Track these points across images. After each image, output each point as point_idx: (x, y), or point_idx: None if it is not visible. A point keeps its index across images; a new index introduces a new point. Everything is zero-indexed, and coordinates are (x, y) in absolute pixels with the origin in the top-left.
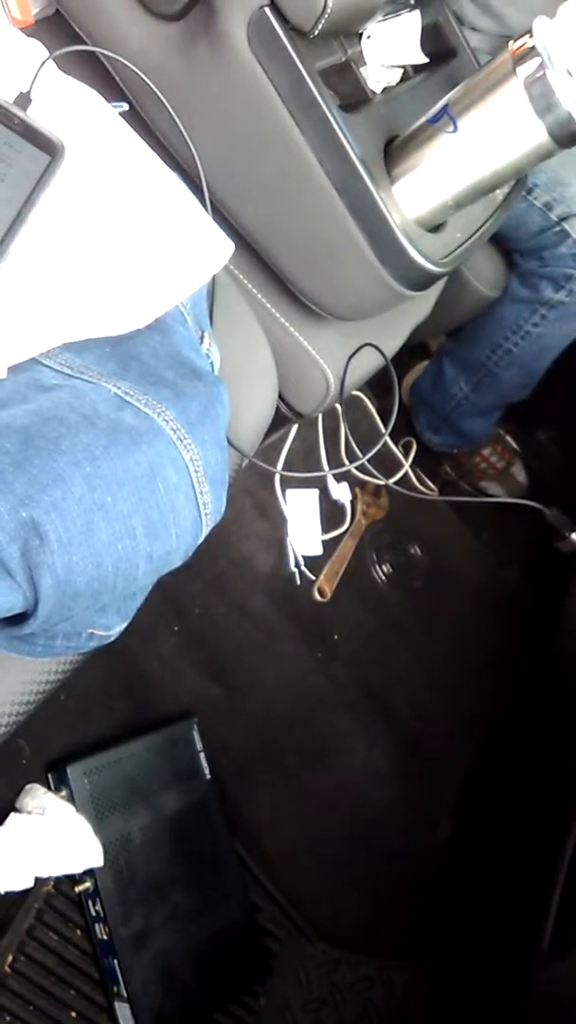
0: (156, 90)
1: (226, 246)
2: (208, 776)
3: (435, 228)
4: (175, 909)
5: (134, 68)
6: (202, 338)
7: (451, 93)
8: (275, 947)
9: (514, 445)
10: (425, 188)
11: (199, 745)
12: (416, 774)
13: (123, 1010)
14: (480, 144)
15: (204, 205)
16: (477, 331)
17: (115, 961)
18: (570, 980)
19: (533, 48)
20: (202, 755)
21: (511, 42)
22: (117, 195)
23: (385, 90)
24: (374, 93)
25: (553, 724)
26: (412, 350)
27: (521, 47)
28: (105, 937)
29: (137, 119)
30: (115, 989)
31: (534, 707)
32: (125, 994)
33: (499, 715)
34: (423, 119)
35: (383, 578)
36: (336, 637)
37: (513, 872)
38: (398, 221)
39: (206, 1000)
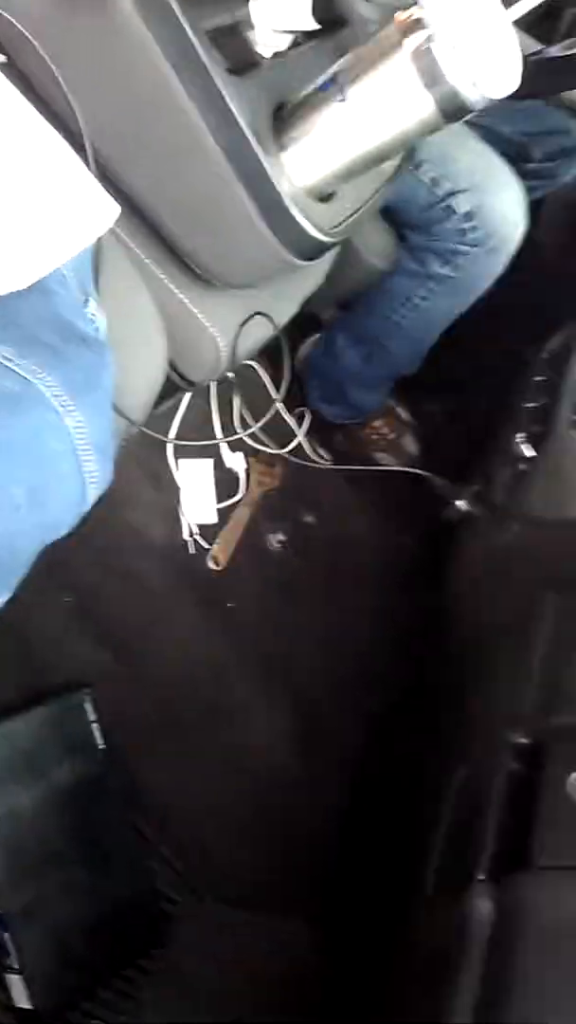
0: (35, 42)
1: (111, 208)
2: (102, 746)
3: (325, 198)
4: (69, 879)
5: (9, 17)
6: (86, 303)
7: (340, 62)
8: (172, 911)
9: (404, 417)
10: (314, 157)
11: (93, 716)
12: (312, 737)
13: (15, 983)
14: (368, 115)
15: (88, 165)
16: (368, 303)
17: (5, 934)
18: (446, 924)
19: (420, 20)
20: (96, 726)
21: (399, 13)
22: None
23: (275, 55)
24: (263, 58)
25: (437, 685)
26: (306, 320)
27: (408, 18)
28: None
29: (16, 73)
30: (6, 962)
31: (425, 669)
32: (17, 966)
33: (393, 679)
34: (312, 87)
35: (277, 546)
36: (231, 605)
37: (403, 828)
38: (287, 189)
39: (102, 967)
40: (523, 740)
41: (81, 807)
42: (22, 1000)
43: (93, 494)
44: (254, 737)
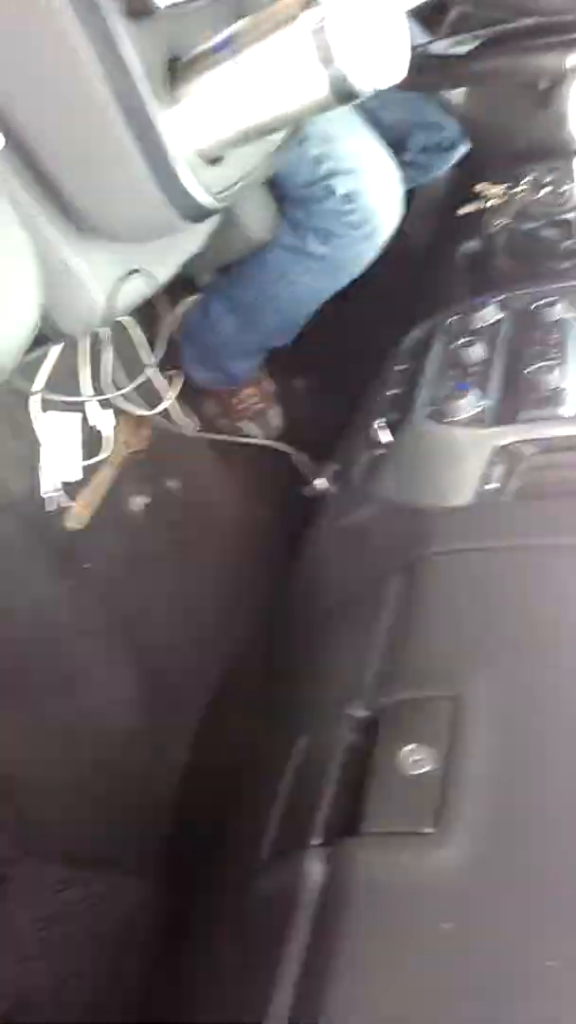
0: None
1: None
2: None
3: (213, 161)
4: None
5: None
6: None
7: (237, 24)
8: (8, 871)
9: (272, 388)
10: (205, 117)
11: None
12: (158, 701)
13: None
14: (260, 83)
15: None
16: (245, 272)
17: None
18: (279, 886)
19: None
20: None
21: None
22: None
23: (172, 6)
24: (158, 8)
25: (282, 655)
26: (184, 283)
27: None
28: None
29: None
30: None
31: (271, 640)
32: None
33: (240, 647)
34: (208, 45)
35: (139, 509)
36: (87, 566)
37: (242, 793)
38: (175, 145)
39: None
40: (362, 713)
41: None
42: None
43: None
44: (100, 699)
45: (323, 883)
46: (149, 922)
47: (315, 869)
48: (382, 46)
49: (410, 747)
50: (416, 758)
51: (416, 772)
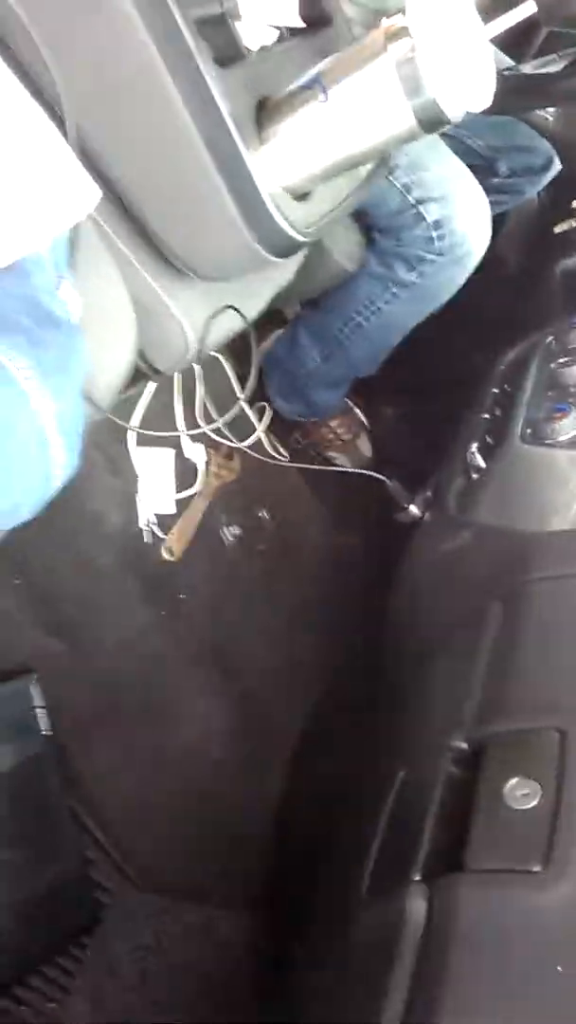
0: (23, 15)
1: (92, 192)
2: (45, 732)
3: (301, 197)
4: (4, 865)
5: None
6: (60, 285)
7: (324, 62)
8: (105, 899)
9: (361, 418)
10: (294, 155)
11: (38, 701)
12: (251, 731)
13: None
14: (348, 118)
15: (70, 147)
16: (332, 303)
17: None
18: (381, 922)
19: (405, 28)
20: (40, 711)
21: (384, 19)
22: None
23: (260, 49)
24: (248, 51)
25: (380, 686)
26: (270, 316)
27: (394, 26)
28: None
29: (2, 48)
30: None
31: (365, 669)
32: None
33: (333, 677)
34: (296, 84)
35: (231, 540)
36: (182, 596)
37: (338, 825)
38: (265, 185)
39: (33, 953)
40: (462, 745)
41: (20, 792)
42: None
43: (58, 481)
44: (193, 729)
45: (426, 920)
46: (245, 954)
47: (417, 906)
48: (469, 72)
49: (515, 780)
50: (522, 792)
51: (522, 807)
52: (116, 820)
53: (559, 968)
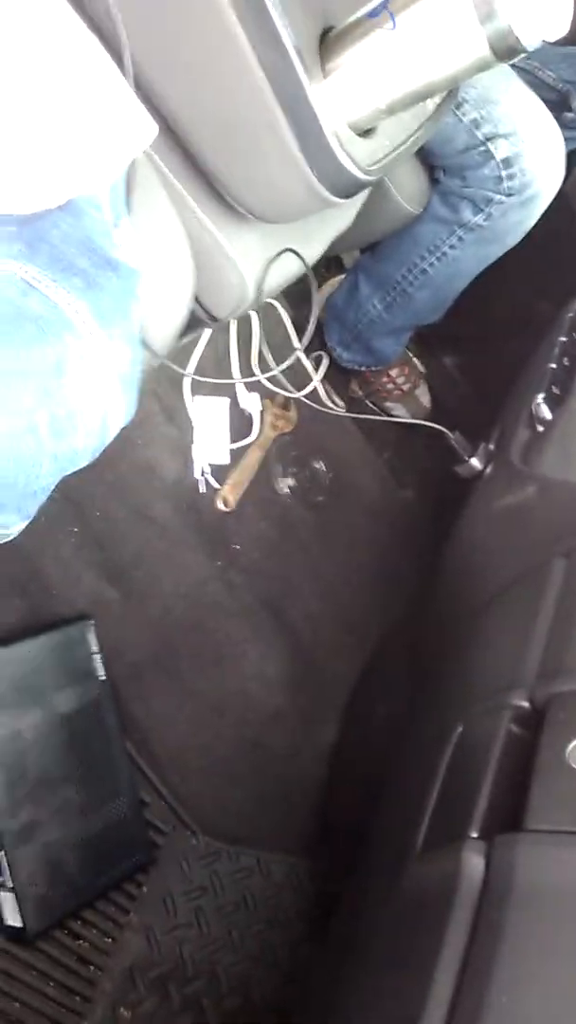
0: None
1: (150, 128)
2: (102, 677)
3: (365, 133)
4: (64, 804)
5: None
6: (117, 227)
7: None
8: (160, 840)
9: (420, 368)
10: (359, 88)
11: (95, 647)
12: (305, 681)
13: (7, 899)
14: (418, 46)
15: (127, 80)
16: (394, 248)
17: (1, 852)
18: (437, 877)
19: None
20: (97, 656)
21: None
22: (34, 58)
23: None
24: None
25: (436, 640)
26: (327, 263)
27: None
28: None
29: None
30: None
31: (420, 623)
32: (10, 884)
33: (388, 629)
34: (362, 12)
35: (286, 491)
36: (237, 547)
37: (392, 778)
38: (328, 119)
39: (90, 889)
40: (524, 704)
41: (79, 734)
42: (12, 917)
43: (115, 427)
44: (249, 678)
45: (482, 878)
46: (296, 897)
47: (474, 863)
48: None
49: None
50: None
51: None
52: (171, 764)
53: None
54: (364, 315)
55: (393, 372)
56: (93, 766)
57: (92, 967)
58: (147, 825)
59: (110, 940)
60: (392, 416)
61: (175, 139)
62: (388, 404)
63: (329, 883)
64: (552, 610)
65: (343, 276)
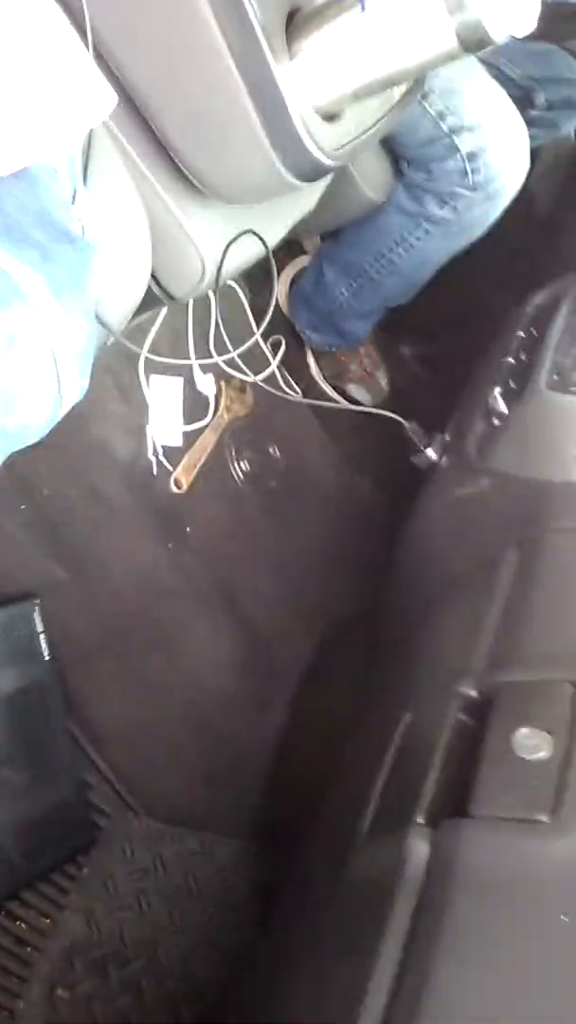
0: None
1: (109, 97)
2: (47, 657)
3: (330, 117)
4: (4, 784)
5: None
6: (74, 198)
7: None
8: (103, 822)
9: (376, 355)
10: (326, 71)
11: (39, 627)
12: (255, 665)
13: None
14: (386, 31)
15: (87, 48)
16: (359, 237)
17: None
18: (381, 862)
19: None
20: (42, 636)
21: None
22: None
23: None
24: None
25: (389, 628)
26: (289, 247)
27: None
28: None
29: None
30: None
31: (373, 610)
32: None
33: (339, 616)
34: None
35: (240, 475)
36: (188, 530)
37: (339, 763)
38: (294, 103)
39: (29, 870)
40: (472, 693)
41: (21, 715)
42: None
43: (67, 403)
44: (197, 660)
45: (427, 864)
46: (240, 881)
47: (419, 848)
48: None
49: (525, 731)
50: (532, 742)
51: (531, 757)
52: (116, 746)
53: (564, 918)
54: (332, 301)
55: (361, 351)
56: (35, 747)
57: (30, 948)
58: (90, 807)
59: (48, 921)
60: (351, 399)
61: (137, 113)
62: (350, 386)
63: (274, 866)
64: (503, 601)
65: (303, 259)
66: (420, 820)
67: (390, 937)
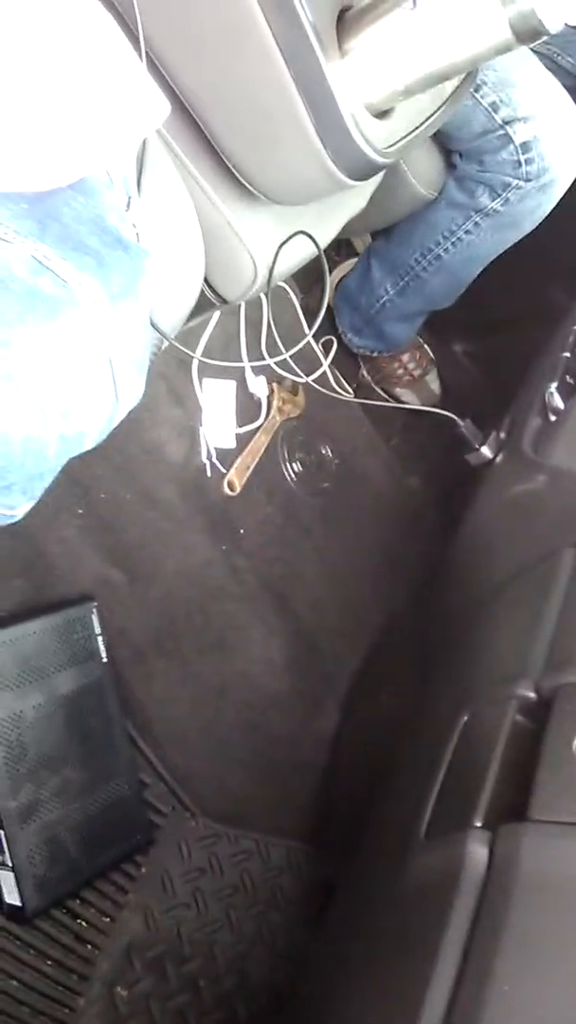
0: None
1: (162, 106)
2: (104, 659)
3: (382, 114)
4: (64, 784)
5: None
6: (128, 206)
7: None
8: (160, 821)
9: (431, 354)
10: (377, 68)
11: (97, 628)
12: (308, 665)
13: (7, 878)
14: (439, 26)
15: (140, 57)
16: (408, 233)
17: (1, 832)
18: (440, 866)
19: None
20: (100, 638)
21: None
22: (46, 35)
23: None
24: None
25: (443, 629)
26: (338, 247)
27: None
28: None
29: None
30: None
31: (426, 611)
32: (10, 863)
33: (391, 616)
34: None
35: (292, 476)
36: (242, 531)
37: (393, 765)
38: (345, 101)
39: (89, 868)
40: (530, 694)
41: (80, 715)
42: (11, 896)
43: (124, 409)
44: (251, 661)
45: (486, 868)
46: (295, 883)
47: (477, 852)
48: None
49: None
50: None
51: None
52: (171, 746)
53: None
54: (376, 299)
55: (404, 357)
56: (94, 747)
57: (89, 946)
58: (146, 806)
59: (108, 920)
60: (401, 402)
61: (189, 118)
62: (398, 390)
63: (328, 868)
64: (560, 600)
65: (354, 260)
66: (478, 824)
67: (449, 942)
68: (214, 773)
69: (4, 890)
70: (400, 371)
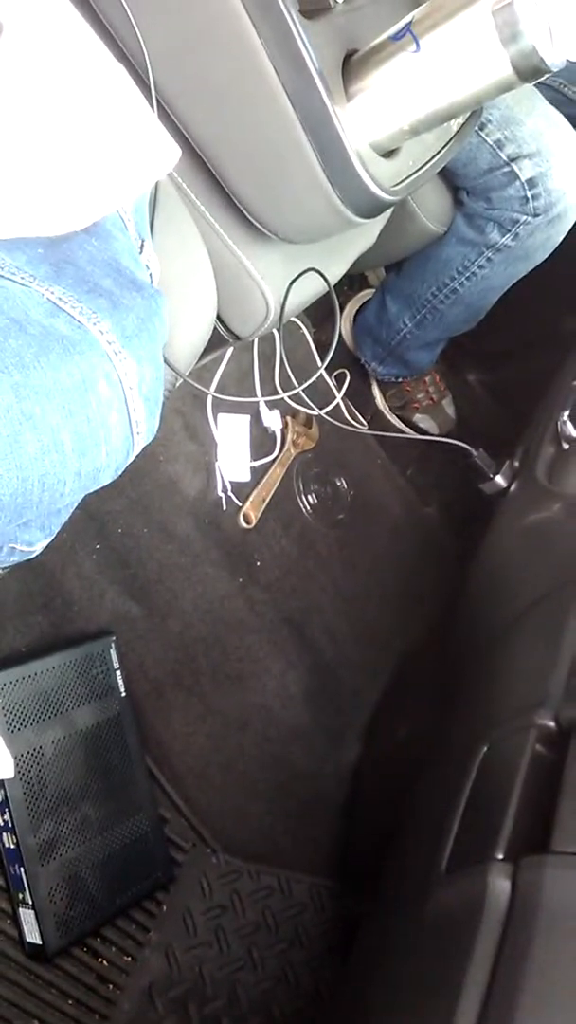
0: None
1: (172, 151)
2: (123, 694)
3: (388, 154)
4: (84, 820)
5: None
6: (142, 248)
7: (416, 10)
8: (180, 858)
9: (443, 382)
10: (382, 109)
11: (116, 663)
12: (327, 699)
13: (27, 916)
14: (442, 68)
15: (151, 104)
16: (421, 268)
17: (21, 869)
18: (462, 900)
19: None
20: (118, 673)
21: None
22: (60, 83)
23: (348, 2)
24: (336, 2)
25: (461, 659)
26: (351, 281)
27: None
28: (12, 846)
29: (84, 4)
30: (20, 896)
31: (444, 641)
32: (30, 901)
33: (409, 646)
34: (385, 35)
35: (308, 508)
36: (258, 563)
37: (413, 797)
38: (352, 142)
39: (110, 906)
40: (550, 724)
41: (99, 751)
42: (32, 934)
43: (139, 445)
44: (269, 695)
45: (509, 901)
46: (318, 919)
47: (500, 885)
48: (570, 16)
49: None
50: None
51: None
52: (191, 781)
53: None
54: (396, 332)
55: (427, 380)
56: (113, 782)
57: (111, 985)
58: (167, 842)
59: (129, 958)
60: (417, 430)
61: (199, 162)
62: (417, 416)
63: (350, 903)
64: None
65: (366, 292)
66: (500, 856)
67: (473, 977)
68: (234, 808)
69: (25, 929)
70: (419, 395)
